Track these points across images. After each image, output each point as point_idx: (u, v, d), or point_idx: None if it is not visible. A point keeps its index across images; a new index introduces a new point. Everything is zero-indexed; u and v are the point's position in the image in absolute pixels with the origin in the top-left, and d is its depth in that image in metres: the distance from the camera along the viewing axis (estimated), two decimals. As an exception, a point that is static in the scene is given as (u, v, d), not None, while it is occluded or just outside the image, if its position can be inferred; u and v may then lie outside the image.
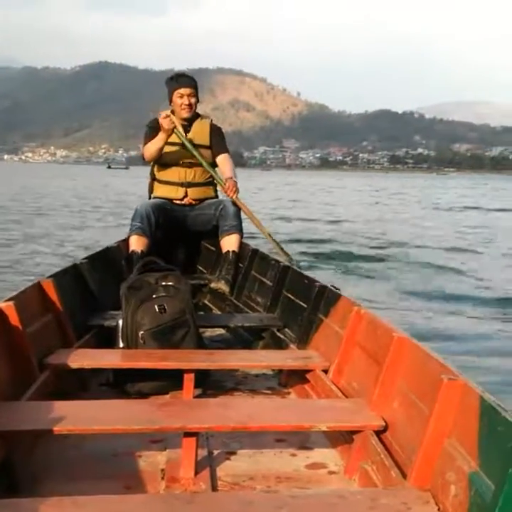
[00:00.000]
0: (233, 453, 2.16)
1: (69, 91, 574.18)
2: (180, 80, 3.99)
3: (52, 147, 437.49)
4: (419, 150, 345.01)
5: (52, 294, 2.80)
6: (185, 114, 3.95)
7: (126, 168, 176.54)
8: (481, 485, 1.42)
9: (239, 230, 3.80)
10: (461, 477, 1.51)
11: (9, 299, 2.34)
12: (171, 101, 4.00)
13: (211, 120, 4.13)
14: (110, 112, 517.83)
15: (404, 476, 1.74)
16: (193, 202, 4.04)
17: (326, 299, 2.93)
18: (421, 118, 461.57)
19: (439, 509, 1.57)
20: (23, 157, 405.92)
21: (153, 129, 3.94)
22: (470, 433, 1.53)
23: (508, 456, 1.33)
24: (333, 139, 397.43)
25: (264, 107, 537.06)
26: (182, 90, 3.92)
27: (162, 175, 4.05)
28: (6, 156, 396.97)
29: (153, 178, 4.12)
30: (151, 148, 3.89)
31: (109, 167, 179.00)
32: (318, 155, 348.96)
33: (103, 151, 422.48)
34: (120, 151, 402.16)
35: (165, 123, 3.76)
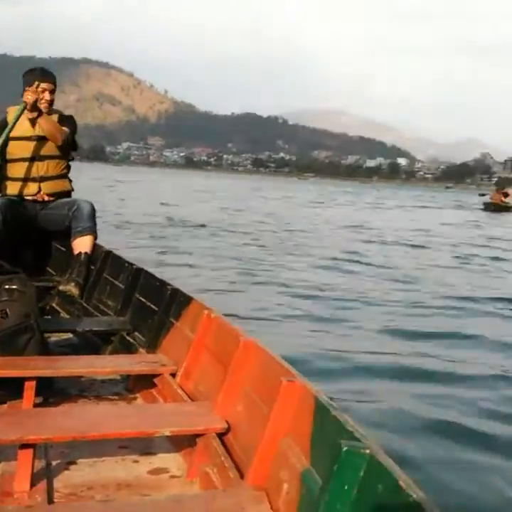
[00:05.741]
0: (73, 463, 2.08)
1: None
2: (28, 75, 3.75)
3: None
4: (281, 154, 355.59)
5: None
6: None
7: None
8: (311, 482, 1.46)
9: (93, 231, 3.70)
10: (294, 475, 1.55)
11: None
12: None
13: (61, 112, 3.94)
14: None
15: (242, 476, 1.77)
16: (47, 197, 3.85)
17: (178, 302, 2.92)
18: (284, 123, 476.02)
19: (272, 508, 1.59)
20: None
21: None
22: (304, 432, 1.58)
23: (335, 453, 1.37)
24: (199, 138, 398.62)
25: (129, 102, 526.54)
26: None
27: (12, 171, 3.81)
28: None
29: (2, 176, 3.85)
30: None
31: None
32: (183, 154, 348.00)
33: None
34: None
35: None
